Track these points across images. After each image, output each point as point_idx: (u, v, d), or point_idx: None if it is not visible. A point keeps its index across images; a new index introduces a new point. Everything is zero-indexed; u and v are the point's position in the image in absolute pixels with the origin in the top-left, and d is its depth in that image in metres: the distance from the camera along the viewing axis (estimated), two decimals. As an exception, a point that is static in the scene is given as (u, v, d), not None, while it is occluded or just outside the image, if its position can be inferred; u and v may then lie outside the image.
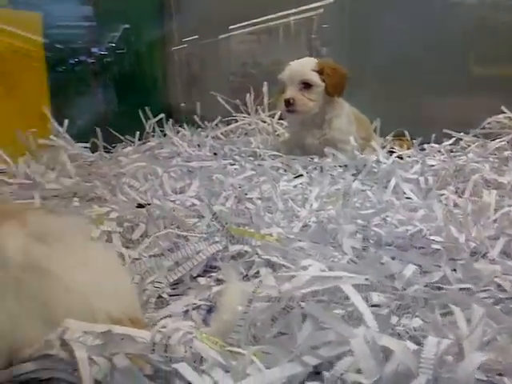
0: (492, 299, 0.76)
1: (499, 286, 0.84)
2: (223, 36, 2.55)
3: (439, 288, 0.83)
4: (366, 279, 0.58)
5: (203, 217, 1.01)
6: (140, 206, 1.07)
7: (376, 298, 0.62)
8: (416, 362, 0.46)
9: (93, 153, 1.73)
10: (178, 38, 2.51)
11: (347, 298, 0.61)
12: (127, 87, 2.32)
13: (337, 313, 0.61)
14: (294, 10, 2.37)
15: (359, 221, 0.97)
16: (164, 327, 0.59)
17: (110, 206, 1.06)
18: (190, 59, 2.62)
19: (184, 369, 0.52)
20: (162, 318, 0.76)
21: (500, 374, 0.54)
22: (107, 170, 1.42)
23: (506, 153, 1.49)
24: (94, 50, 2.32)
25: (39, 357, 0.59)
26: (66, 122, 1.75)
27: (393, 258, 0.85)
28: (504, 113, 1.75)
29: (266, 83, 2.11)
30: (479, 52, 2.02)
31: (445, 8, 2.13)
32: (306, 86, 1.58)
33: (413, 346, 0.49)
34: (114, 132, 1.98)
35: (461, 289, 0.82)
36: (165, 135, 2.09)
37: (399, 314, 0.65)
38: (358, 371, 0.46)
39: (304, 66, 1.60)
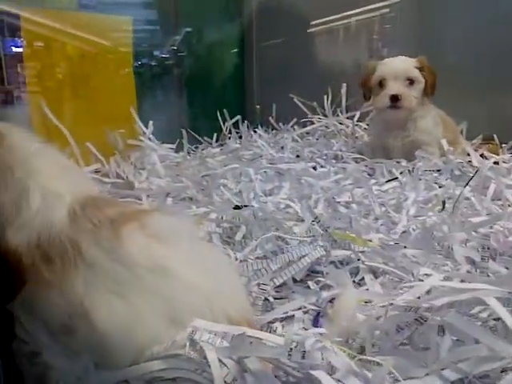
0: None
1: None
2: (298, 37, 2.53)
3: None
4: (510, 292, 0.55)
5: (302, 220, 1.00)
6: (237, 207, 1.07)
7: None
8: None
9: (177, 153, 1.77)
10: (255, 40, 2.52)
11: (483, 311, 0.58)
12: (204, 89, 2.36)
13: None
14: (362, 9, 2.31)
15: (467, 229, 0.93)
16: (297, 334, 0.57)
17: (207, 207, 1.07)
18: (264, 61, 2.62)
19: (322, 376, 0.51)
20: (270, 322, 0.76)
21: None
22: (196, 171, 1.44)
23: None
24: (173, 52, 2.37)
25: (168, 356, 0.60)
26: (151, 123, 1.79)
27: (507, 268, 0.81)
28: None
29: (344, 85, 2.08)
30: None
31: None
32: (410, 82, 1.54)
33: None
34: (193, 133, 2.01)
35: None
36: (240, 137, 2.10)
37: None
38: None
39: (407, 62, 1.56)
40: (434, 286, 0.69)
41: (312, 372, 0.51)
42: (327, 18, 2.38)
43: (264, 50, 2.50)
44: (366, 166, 1.56)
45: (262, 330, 0.68)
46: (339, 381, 0.52)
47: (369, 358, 0.55)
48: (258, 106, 2.44)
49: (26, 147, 0.77)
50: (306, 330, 0.71)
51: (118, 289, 0.62)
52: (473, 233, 0.94)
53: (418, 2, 2.16)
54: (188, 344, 0.58)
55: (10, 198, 0.70)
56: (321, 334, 0.61)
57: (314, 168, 1.55)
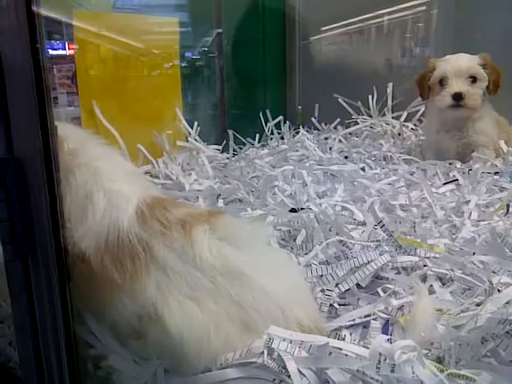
0: None
1: None
2: (338, 36, 2.48)
3: None
4: None
5: (363, 223, 0.97)
6: (293, 210, 1.05)
7: None
8: None
9: (221, 153, 1.76)
10: (297, 39, 2.49)
11: None
12: (246, 89, 2.34)
13: None
14: (398, 7, 2.25)
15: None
16: (382, 346, 0.54)
17: (262, 209, 1.06)
18: (306, 60, 2.59)
19: (414, 392, 0.48)
20: (336, 329, 0.74)
21: None
22: (244, 172, 1.43)
23: None
24: (216, 52, 2.36)
25: (243, 364, 0.58)
26: (196, 124, 1.79)
27: None
28: None
29: (390, 84, 2.03)
30: None
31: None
32: (473, 80, 1.48)
33: None
34: (236, 134, 2.00)
35: None
36: (282, 138, 2.08)
37: None
38: None
39: (471, 59, 1.50)
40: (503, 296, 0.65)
41: (404, 387, 0.49)
42: (370, 15, 2.33)
43: (306, 48, 2.46)
44: (418, 167, 1.51)
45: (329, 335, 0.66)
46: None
47: (460, 372, 0.52)
48: (300, 107, 2.40)
49: (88, 150, 0.76)
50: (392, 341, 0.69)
51: (192, 292, 0.61)
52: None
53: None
54: (266, 352, 0.56)
55: (76, 201, 0.70)
56: (408, 346, 0.57)
57: (363, 169, 1.51)
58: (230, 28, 2.35)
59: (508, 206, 1.08)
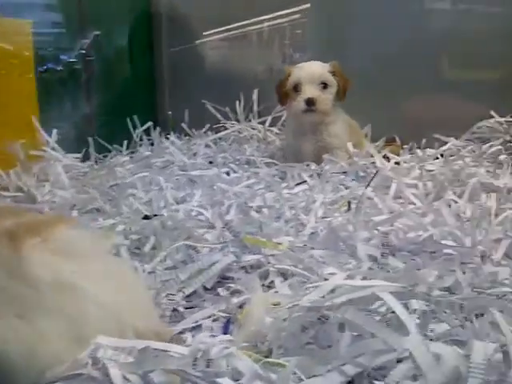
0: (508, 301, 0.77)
1: (512, 288, 0.85)
2: (210, 42, 2.53)
3: (451, 292, 0.84)
4: (404, 287, 0.58)
5: (213, 227, 1.00)
6: (146, 217, 1.05)
7: (416, 305, 0.62)
8: (466, 366, 0.46)
9: (83, 163, 1.70)
10: (164, 45, 2.48)
11: (382, 306, 0.61)
12: (114, 95, 2.29)
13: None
14: (271, 16, 2.37)
15: (370, 227, 0.97)
16: (202, 342, 0.56)
17: (115, 218, 1.04)
18: (176, 66, 2.60)
19: (227, 383, 0.51)
20: (180, 332, 0.75)
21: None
22: (103, 181, 1.39)
23: (501, 157, 1.51)
24: (81, 56, 2.28)
25: (70, 376, 0.57)
26: (55, 132, 1.71)
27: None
28: (493, 117, 1.79)
29: (256, 90, 2.11)
30: (465, 57, 2.05)
31: (424, 12, 2.16)
32: (324, 86, 1.59)
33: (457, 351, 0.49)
34: (101, 141, 1.94)
35: (475, 292, 0.83)
36: (152, 144, 2.06)
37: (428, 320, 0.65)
38: (412, 378, 0.46)
39: (322, 66, 1.61)
40: (337, 284, 0.71)
41: (217, 380, 0.51)
42: (240, 23, 2.41)
43: (175, 55, 2.47)
44: (278, 170, 1.59)
45: (172, 342, 0.67)
46: (245, 386, 0.52)
47: (274, 360, 0.56)
48: (170, 113, 2.40)
49: None
50: (215, 337, 0.71)
51: (19, 308, 0.58)
52: (375, 231, 0.99)
53: (328, 7, 2.25)
54: (90, 362, 0.56)
55: None
56: (229, 340, 0.60)
57: (228, 174, 1.55)
58: (99, 31, 2.29)
59: (349, 202, 1.17)
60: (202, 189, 1.27)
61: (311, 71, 1.60)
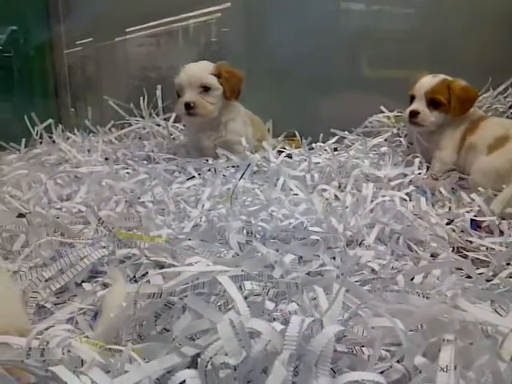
0: (361, 281, 0.84)
1: (373, 269, 0.92)
2: (118, 39, 2.50)
3: (319, 275, 0.89)
4: (243, 270, 0.61)
5: (90, 223, 0.99)
6: (21, 215, 1.02)
7: (252, 286, 0.66)
8: (281, 340, 0.50)
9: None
10: (69, 41, 2.42)
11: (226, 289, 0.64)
12: (12, 92, 2.20)
13: (216, 304, 0.64)
14: (192, 14, 2.38)
15: (246, 217, 1.01)
16: (42, 333, 0.57)
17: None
18: (81, 63, 2.53)
19: (61, 371, 0.51)
20: (47, 328, 0.74)
21: (363, 346, 0.60)
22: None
23: (383, 149, 1.62)
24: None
25: None
26: None
27: (277, 250, 0.90)
28: (383, 112, 1.90)
29: (159, 86, 2.10)
30: (365, 56, 2.18)
31: (336, 13, 2.27)
32: (205, 89, 1.60)
33: (280, 327, 0.52)
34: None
35: (337, 274, 0.89)
36: (54, 142, 2.00)
37: (277, 301, 0.69)
38: (227, 353, 0.49)
39: (202, 70, 1.61)
40: (196, 271, 0.74)
41: (51, 368, 0.52)
42: (155, 22, 2.39)
43: (82, 51, 2.41)
44: (177, 165, 1.60)
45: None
46: (82, 373, 0.53)
47: (113, 346, 0.57)
48: (72, 109, 2.34)
49: None
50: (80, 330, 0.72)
51: None
52: (252, 221, 1.03)
53: (246, 6, 2.29)
54: None
55: None
56: (74, 331, 0.61)
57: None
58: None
59: (232, 194, 1.21)
60: (88, 186, 1.25)
61: (190, 74, 1.60)
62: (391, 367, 0.57)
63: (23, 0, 2.36)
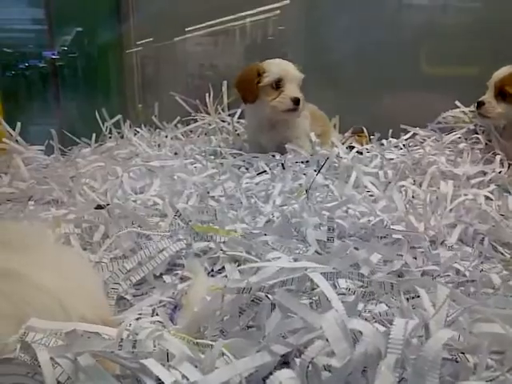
0: (452, 283, 0.78)
1: (458, 271, 0.87)
2: (180, 38, 2.53)
3: (401, 275, 0.85)
4: (334, 268, 0.58)
5: (166, 215, 1.00)
6: (99, 207, 1.04)
7: (344, 284, 0.63)
8: (385, 343, 0.46)
9: (48, 156, 1.68)
10: (134, 40, 2.47)
11: (314, 287, 0.62)
12: (83, 90, 2.27)
13: (304, 302, 0.61)
14: (250, 12, 2.38)
15: (323, 213, 0.98)
16: (131, 325, 0.56)
17: (68, 208, 1.03)
18: (147, 61, 2.59)
19: (152, 364, 0.50)
20: (136, 319, 0.75)
21: (463, 353, 0.55)
22: (64, 173, 1.38)
23: (461, 145, 1.53)
24: (46, 53, 2.27)
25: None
26: (19, 124, 1.69)
27: (356, 249, 0.86)
28: (458, 107, 1.81)
29: (225, 82, 2.10)
30: (434, 52, 2.08)
31: (399, 8, 2.20)
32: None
33: (381, 328, 0.49)
34: (68, 134, 1.93)
35: (422, 275, 0.84)
36: (122, 137, 2.04)
37: (365, 301, 0.66)
38: (329, 355, 0.46)
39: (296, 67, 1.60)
40: (281, 267, 0.71)
41: (142, 361, 0.51)
42: (213, 21, 2.41)
43: (145, 50, 2.46)
44: (244, 160, 1.58)
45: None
46: (172, 366, 0.52)
47: (204, 341, 0.56)
48: (140, 106, 2.39)
49: None
50: (161, 323, 0.71)
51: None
52: (326, 217, 0.99)
53: (305, 4, 2.27)
54: (19, 346, 0.55)
55: None
56: (163, 324, 0.60)
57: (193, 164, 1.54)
58: (66, 29, 2.28)
59: (307, 190, 1.18)
60: (160, 179, 1.26)
61: (293, 71, 1.58)
62: (499, 376, 0.52)
63: (92, 2, 2.43)
